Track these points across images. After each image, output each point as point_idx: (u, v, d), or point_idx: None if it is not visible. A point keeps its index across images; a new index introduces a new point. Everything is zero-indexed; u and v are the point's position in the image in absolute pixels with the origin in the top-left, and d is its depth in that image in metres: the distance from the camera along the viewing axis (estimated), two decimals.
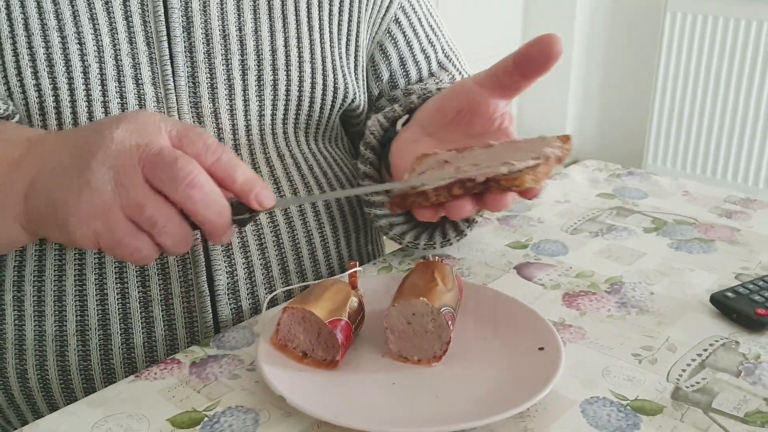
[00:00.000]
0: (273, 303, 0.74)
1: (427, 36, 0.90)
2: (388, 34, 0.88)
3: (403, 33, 0.88)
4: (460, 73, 0.92)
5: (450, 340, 0.60)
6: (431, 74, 0.90)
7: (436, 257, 0.67)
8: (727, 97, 2.84)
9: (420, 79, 0.90)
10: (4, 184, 0.59)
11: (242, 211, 0.57)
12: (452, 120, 0.69)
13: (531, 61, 0.62)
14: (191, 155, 0.54)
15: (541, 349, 0.61)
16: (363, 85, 0.87)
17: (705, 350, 0.64)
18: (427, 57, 0.90)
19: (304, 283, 0.76)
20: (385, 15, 0.87)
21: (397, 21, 0.88)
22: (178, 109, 0.73)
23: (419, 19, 0.90)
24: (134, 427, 0.55)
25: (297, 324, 0.60)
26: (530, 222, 0.90)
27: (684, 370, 0.62)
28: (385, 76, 0.89)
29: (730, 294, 0.70)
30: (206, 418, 0.56)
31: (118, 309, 0.70)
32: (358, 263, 0.65)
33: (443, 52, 0.92)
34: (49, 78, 0.68)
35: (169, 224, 0.54)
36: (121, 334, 0.71)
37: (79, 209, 0.53)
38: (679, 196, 0.98)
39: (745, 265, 0.79)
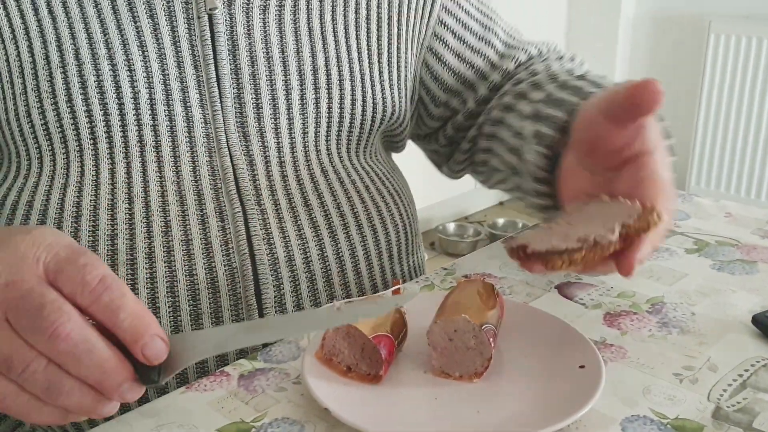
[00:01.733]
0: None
1: (481, 24, 0.92)
2: (435, 37, 0.91)
3: (452, 31, 0.91)
4: (526, 50, 0.92)
5: (491, 356, 0.62)
6: (501, 56, 0.92)
7: (479, 275, 0.68)
8: None
9: (490, 63, 0.91)
10: None
11: (150, 371, 0.47)
12: (587, 153, 0.65)
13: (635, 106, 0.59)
14: (67, 295, 0.46)
15: (581, 367, 0.61)
16: (405, 96, 0.89)
17: (746, 370, 0.65)
18: (487, 42, 0.92)
19: (349, 300, 0.78)
20: (429, 21, 0.90)
21: (442, 23, 0.90)
22: (225, 130, 0.75)
23: (468, 14, 0.92)
24: None
25: (341, 339, 0.62)
26: None
27: (725, 390, 0.62)
28: (445, 75, 0.91)
29: None
30: (254, 429, 0.57)
31: (170, 322, 0.73)
32: (401, 280, 0.66)
33: (505, 33, 0.94)
34: (100, 104, 0.71)
35: (30, 369, 0.45)
36: None
37: None
38: (721, 218, 0.98)
39: None
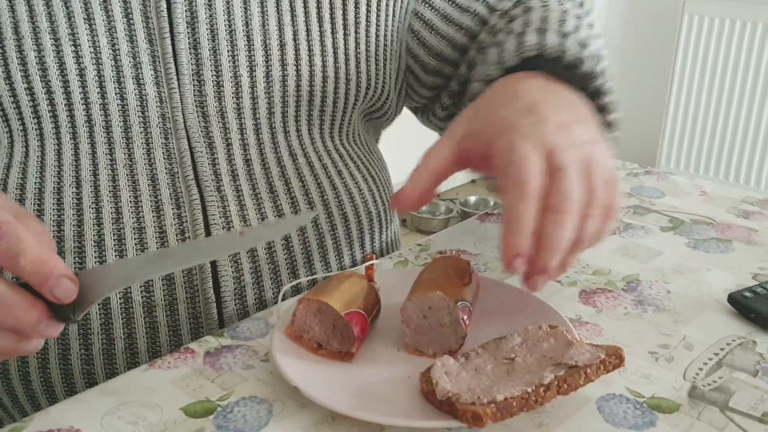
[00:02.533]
0: (285, 297, 0.74)
1: None
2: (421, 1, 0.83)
3: None
4: None
5: (466, 334, 0.60)
6: (491, 9, 0.83)
7: (454, 251, 0.67)
8: (741, 100, 2.83)
9: (482, 21, 0.83)
10: None
11: (65, 309, 0.50)
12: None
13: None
14: None
15: None
16: (386, 68, 0.83)
17: (722, 349, 0.64)
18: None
19: (323, 275, 0.76)
20: None
21: None
22: (182, 109, 0.71)
23: None
24: (147, 416, 0.54)
25: (312, 315, 0.60)
26: None
27: (701, 369, 0.61)
28: (432, 40, 0.84)
29: (747, 294, 0.69)
30: (219, 408, 0.55)
31: (121, 314, 0.69)
32: (374, 255, 0.65)
33: None
34: (42, 82, 0.66)
35: None
36: (124, 339, 0.70)
37: None
38: (696, 196, 0.97)
39: (762, 266, 0.79)
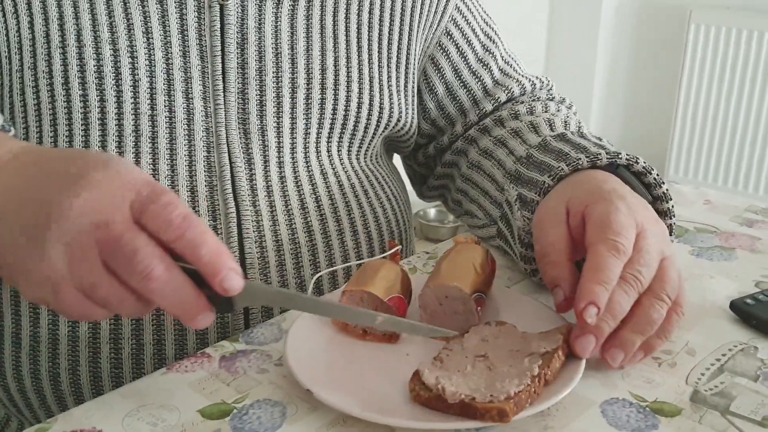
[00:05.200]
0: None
1: (483, 45, 0.91)
2: (439, 47, 0.88)
3: (456, 44, 0.89)
4: (520, 82, 0.91)
5: (478, 323, 0.64)
6: (496, 83, 0.90)
7: (474, 238, 0.70)
8: (750, 109, 2.84)
9: (484, 89, 0.90)
10: None
11: (223, 302, 0.54)
12: None
13: None
14: (151, 230, 0.50)
15: None
16: (413, 103, 0.88)
17: (724, 355, 0.65)
18: (486, 65, 0.90)
19: (347, 264, 0.78)
20: (437, 29, 0.87)
21: (448, 33, 0.88)
22: (225, 125, 0.73)
23: (473, 30, 0.90)
24: (165, 417, 0.56)
25: (356, 303, 0.64)
26: None
27: (703, 374, 0.63)
28: (440, 89, 0.89)
29: (749, 301, 0.71)
30: (235, 410, 0.57)
31: (152, 321, 0.72)
32: (397, 241, 0.68)
33: (503, 59, 0.92)
34: (97, 90, 0.68)
35: (124, 304, 0.51)
36: (153, 344, 0.72)
37: (30, 275, 0.51)
38: (700, 205, 0.99)
39: (765, 273, 0.80)
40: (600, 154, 0.71)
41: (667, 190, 0.73)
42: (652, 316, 0.61)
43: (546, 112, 0.88)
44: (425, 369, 0.57)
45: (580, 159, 0.71)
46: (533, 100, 0.91)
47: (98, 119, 0.69)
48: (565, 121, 0.85)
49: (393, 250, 0.69)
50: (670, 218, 0.73)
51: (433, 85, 0.90)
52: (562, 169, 0.71)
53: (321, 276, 0.79)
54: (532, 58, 3.17)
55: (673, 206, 0.73)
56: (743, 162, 2.90)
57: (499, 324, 0.64)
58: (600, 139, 0.77)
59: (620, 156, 0.71)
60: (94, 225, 0.49)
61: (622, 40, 3.24)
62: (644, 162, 0.72)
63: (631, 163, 0.72)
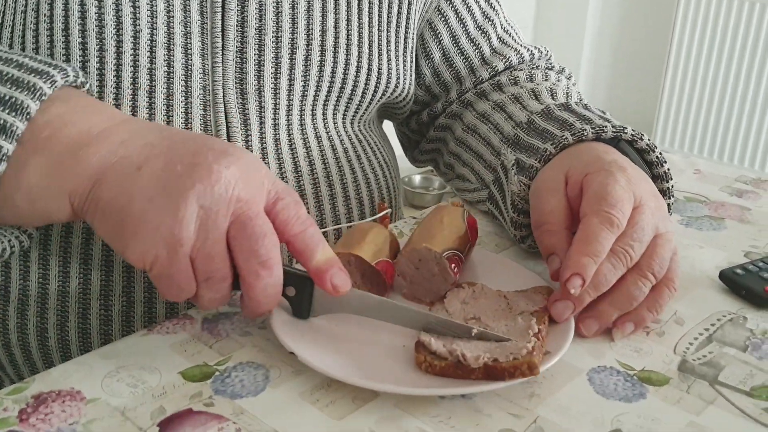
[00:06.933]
0: None
1: (483, 12, 0.90)
2: (438, 12, 0.87)
3: (455, 10, 0.88)
4: (518, 51, 0.91)
5: (455, 281, 0.63)
6: (494, 51, 0.90)
7: (457, 201, 0.70)
8: (738, 80, 2.83)
9: (482, 57, 0.89)
10: (81, 148, 0.54)
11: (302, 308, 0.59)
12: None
13: None
14: (280, 220, 0.55)
15: (549, 318, 0.61)
16: (411, 68, 0.86)
17: (712, 325, 0.65)
18: (484, 33, 0.89)
19: (337, 226, 0.77)
20: None
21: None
22: (222, 84, 0.72)
23: None
24: (146, 379, 0.55)
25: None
26: None
27: (691, 344, 0.62)
28: (437, 55, 0.88)
29: (739, 271, 0.70)
30: (217, 372, 0.56)
31: (145, 278, 0.70)
32: (386, 204, 0.67)
33: (502, 28, 0.91)
34: (97, 39, 0.66)
35: (221, 285, 0.54)
36: (144, 303, 0.71)
37: (153, 230, 0.51)
38: (691, 174, 0.98)
39: (754, 244, 0.80)
40: (605, 126, 0.70)
41: (668, 169, 0.72)
42: (633, 293, 0.61)
43: (546, 80, 0.87)
44: (430, 339, 0.56)
45: (585, 130, 0.70)
46: (533, 68, 0.90)
47: (96, 69, 0.67)
48: (567, 92, 0.84)
49: (383, 213, 0.68)
50: (669, 198, 0.72)
51: (430, 50, 0.88)
52: (566, 138, 0.70)
53: None
54: (520, 25, 3.15)
55: (673, 186, 0.72)
56: (730, 133, 2.91)
57: (470, 285, 0.64)
58: (604, 113, 0.76)
59: (626, 131, 0.70)
60: (235, 198, 0.52)
61: (611, 8, 3.22)
62: (648, 139, 0.71)
63: (635, 138, 0.71)
